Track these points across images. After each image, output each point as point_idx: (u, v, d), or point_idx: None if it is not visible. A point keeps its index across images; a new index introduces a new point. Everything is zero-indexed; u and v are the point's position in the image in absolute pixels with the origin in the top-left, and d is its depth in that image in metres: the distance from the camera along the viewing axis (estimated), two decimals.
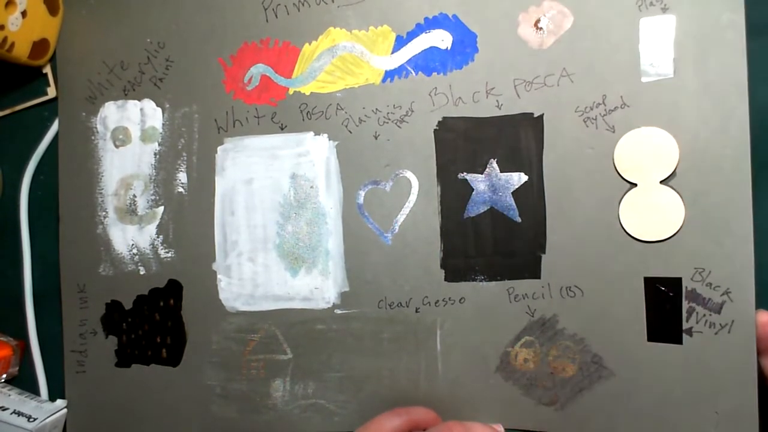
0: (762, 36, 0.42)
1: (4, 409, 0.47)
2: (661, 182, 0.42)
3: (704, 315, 0.41)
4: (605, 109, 0.43)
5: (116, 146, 0.50)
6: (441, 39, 0.46)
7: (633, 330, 0.43)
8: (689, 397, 0.42)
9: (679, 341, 0.42)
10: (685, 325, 0.42)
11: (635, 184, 0.43)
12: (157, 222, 0.49)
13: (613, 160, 0.43)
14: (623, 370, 0.43)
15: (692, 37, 0.42)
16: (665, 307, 0.42)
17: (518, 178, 0.45)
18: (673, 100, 0.42)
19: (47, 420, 0.47)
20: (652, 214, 0.42)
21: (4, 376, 0.50)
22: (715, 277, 0.41)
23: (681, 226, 0.42)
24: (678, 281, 0.42)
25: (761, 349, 0.39)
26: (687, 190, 0.42)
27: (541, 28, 0.45)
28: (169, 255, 0.49)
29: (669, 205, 0.42)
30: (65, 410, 0.49)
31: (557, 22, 0.45)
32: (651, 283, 0.42)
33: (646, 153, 0.42)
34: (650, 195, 0.42)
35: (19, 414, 0.46)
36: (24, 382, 0.51)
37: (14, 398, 0.48)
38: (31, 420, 0.46)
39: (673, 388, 0.42)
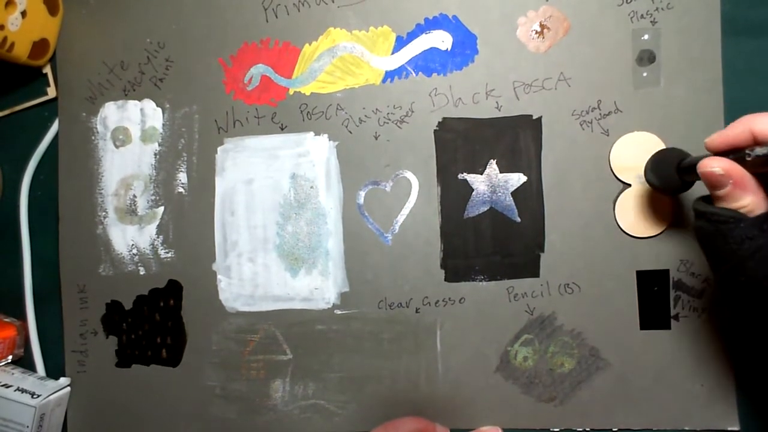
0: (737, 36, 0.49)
1: (7, 386, 0.51)
2: None
3: (688, 301, 0.49)
4: (600, 114, 0.49)
5: (116, 146, 0.54)
6: (441, 40, 0.51)
7: (627, 320, 0.49)
8: (678, 376, 0.49)
9: (668, 327, 0.49)
10: (672, 312, 0.49)
11: (629, 185, 0.48)
12: (157, 222, 0.54)
13: (608, 161, 0.49)
14: (619, 359, 0.49)
15: (677, 51, 0.48)
16: (655, 297, 0.49)
17: (517, 179, 0.50)
18: (661, 108, 0.49)
19: (51, 397, 0.51)
20: (645, 213, 0.48)
21: (10, 357, 0.54)
22: (696, 266, 0.49)
23: (669, 223, 0.48)
24: (666, 273, 0.49)
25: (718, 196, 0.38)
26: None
27: (539, 33, 0.50)
28: (169, 255, 0.54)
29: (659, 204, 0.48)
30: (69, 388, 0.54)
31: (555, 27, 0.50)
32: (643, 276, 0.49)
33: (639, 155, 0.48)
34: (643, 194, 0.48)
35: (23, 391, 0.51)
36: None
37: (18, 376, 0.53)
38: (34, 396, 0.50)
39: (664, 370, 0.49)
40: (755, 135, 0.36)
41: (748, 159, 0.35)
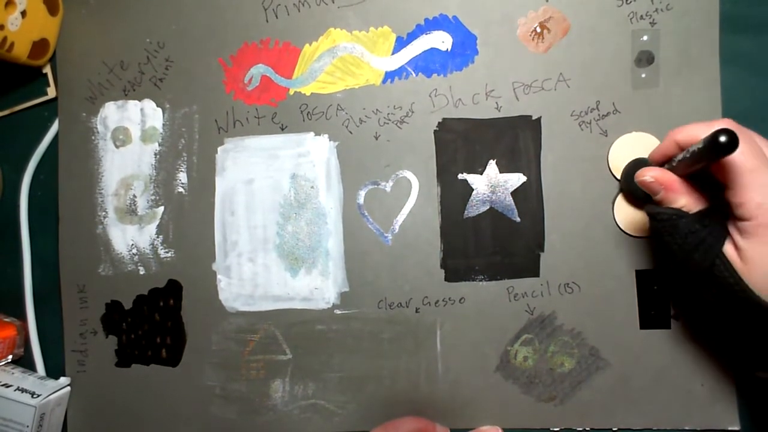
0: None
1: (7, 386, 0.51)
2: None
3: (688, 301, 0.49)
4: (599, 114, 0.49)
5: (116, 146, 0.55)
6: (441, 40, 0.51)
7: (627, 320, 0.49)
8: (678, 376, 0.49)
9: (668, 326, 0.49)
10: (672, 311, 0.49)
11: None
12: (157, 222, 0.54)
13: (607, 161, 0.49)
14: (619, 359, 0.50)
15: (676, 52, 0.49)
16: (655, 296, 0.49)
17: (517, 179, 0.51)
18: (660, 108, 0.49)
19: (51, 397, 0.52)
20: (644, 212, 0.48)
21: (10, 356, 0.54)
22: None
23: None
24: (666, 272, 0.49)
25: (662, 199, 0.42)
26: None
27: (539, 34, 0.51)
28: (169, 255, 0.54)
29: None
30: (69, 388, 0.54)
31: (555, 28, 0.50)
32: (643, 276, 0.49)
33: (637, 156, 0.48)
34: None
35: (23, 391, 0.51)
36: None
37: (18, 376, 0.53)
38: (34, 396, 0.51)
39: (664, 370, 0.49)
40: (679, 144, 0.41)
41: (674, 165, 0.41)
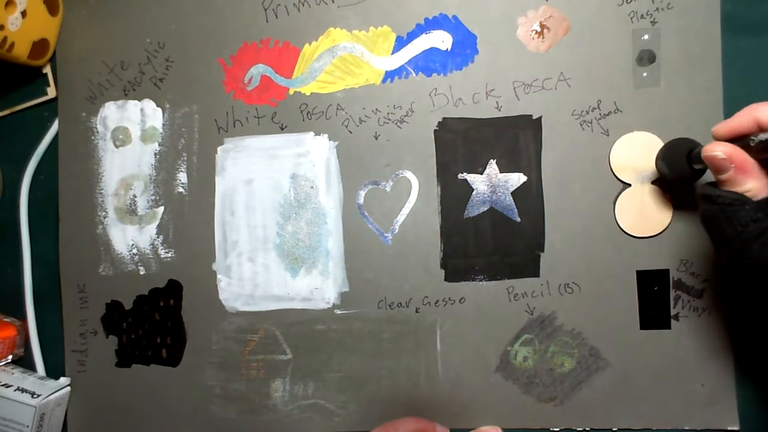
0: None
1: (7, 386, 0.51)
2: (652, 183, 0.49)
3: (688, 301, 0.49)
4: (600, 114, 0.49)
5: (116, 146, 0.55)
6: (441, 40, 0.51)
7: (627, 320, 0.50)
8: (678, 376, 0.49)
9: (668, 326, 0.49)
10: (672, 312, 0.49)
11: (629, 184, 0.49)
12: (157, 222, 0.54)
13: (608, 161, 0.49)
14: (619, 359, 0.50)
15: (677, 51, 0.49)
16: (655, 296, 0.49)
17: (517, 179, 0.51)
18: (661, 107, 0.49)
19: (51, 397, 0.52)
20: (645, 212, 0.49)
21: (10, 356, 0.54)
22: (696, 267, 0.49)
23: (669, 223, 0.49)
24: (666, 273, 0.49)
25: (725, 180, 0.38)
26: (673, 190, 0.48)
27: (539, 33, 0.51)
28: (169, 255, 0.54)
29: (659, 204, 0.48)
30: (69, 388, 0.54)
31: (555, 27, 0.50)
32: (643, 276, 0.49)
33: (638, 155, 0.48)
34: (643, 194, 0.48)
35: (23, 391, 0.51)
36: None
37: (18, 376, 0.53)
38: (34, 396, 0.51)
39: (664, 370, 0.49)
40: (759, 123, 0.37)
41: (752, 144, 0.37)
